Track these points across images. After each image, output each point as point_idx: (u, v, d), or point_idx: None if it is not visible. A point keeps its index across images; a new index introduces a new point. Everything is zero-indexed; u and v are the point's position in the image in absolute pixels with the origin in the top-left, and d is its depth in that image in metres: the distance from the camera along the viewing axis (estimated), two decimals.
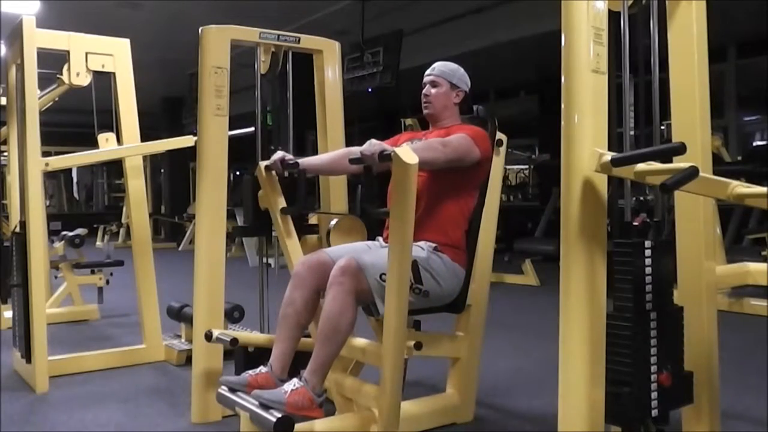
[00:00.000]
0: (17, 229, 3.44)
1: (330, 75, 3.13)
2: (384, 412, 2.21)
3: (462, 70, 2.72)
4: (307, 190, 2.79)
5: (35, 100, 3.38)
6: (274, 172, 2.76)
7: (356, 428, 2.34)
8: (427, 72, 2.71)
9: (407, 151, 2.08)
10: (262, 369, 2.34)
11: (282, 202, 2.75)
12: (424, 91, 2.69)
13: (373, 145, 2.19)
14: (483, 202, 2.62)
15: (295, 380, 2.22)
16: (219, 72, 2.79)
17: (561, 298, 1.76)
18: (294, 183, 2.75)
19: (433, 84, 2.68)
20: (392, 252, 2.14)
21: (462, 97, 2.69)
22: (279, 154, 2.72)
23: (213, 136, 2.81)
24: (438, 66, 2.70)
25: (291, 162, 2.69)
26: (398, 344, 2.16)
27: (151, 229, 5.53)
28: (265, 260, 3.10)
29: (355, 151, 2.41)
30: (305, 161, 2.74)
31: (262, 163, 2.78)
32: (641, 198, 2.08)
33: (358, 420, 2.37)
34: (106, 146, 3.96)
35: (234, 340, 2.61)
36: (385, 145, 2.20)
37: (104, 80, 3.88)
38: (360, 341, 2.43)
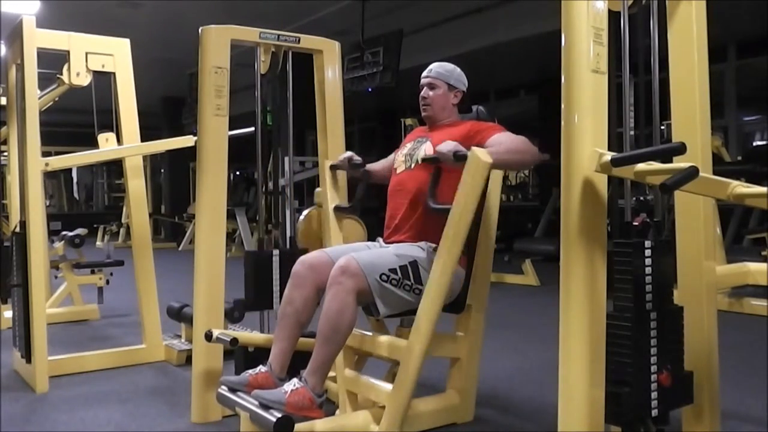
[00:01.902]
0: (17, 229, 3.44)
1: (330, 75, 3.13)
2: (393, 410, 2.24)
3: (459, 70, 2.71)
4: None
5: (35, 100, 3.38)
6: (338, 171, 2.92)
7: (356, 428, 2.34)
8: (424, 74, 2.69)
9: (483, 152, 2.20)
10: (262, 368, 2.34)
11: (336, 200, 2.87)
12: (421, 93, 2.68)
13: (448, 145, 2.30)
14: (483, 203, 2.62)
15: (295, 380, 2.22)
16: (219, 72, 2.79)
17: (561, 298, 1.76)
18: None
19: (431, 86, 2.67)
20: (440, 252, 2.25)
21: (460, 98, 2.69)
22: (347, 154, 2.87)
23: (213, 136, 2.81)
24: (434, 67, 2.69)
25: (357, 162, 2.85)
26: (425, 345, 2.25)
27: (151, 229, 5.53)
28: None
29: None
30: (371, 166, 2.90)
31: (327, 162, 2.93)
32: (641, 198, 2.08)
33: (358, 420, 2.37)
34: (106, 146, 3.95)
35: (234, 340, 2.62)
36: (459, 146, 2.30)
37: (104, 80, 3.88)
38: (386, 338, 2.49)
